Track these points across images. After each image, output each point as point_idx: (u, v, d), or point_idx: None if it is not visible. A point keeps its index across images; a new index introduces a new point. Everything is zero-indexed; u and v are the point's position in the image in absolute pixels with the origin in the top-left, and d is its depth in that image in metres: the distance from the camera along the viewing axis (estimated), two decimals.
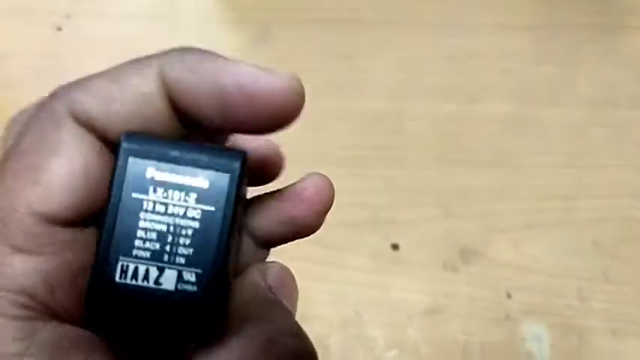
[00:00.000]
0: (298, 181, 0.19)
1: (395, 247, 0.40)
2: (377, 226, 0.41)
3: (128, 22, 0.49)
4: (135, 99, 0.16)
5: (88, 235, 0.16)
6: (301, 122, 0.49)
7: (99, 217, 0.16)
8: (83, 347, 0.15)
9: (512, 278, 0.39)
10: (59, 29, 0.48)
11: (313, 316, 0.38)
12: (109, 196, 0.15)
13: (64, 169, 0.15)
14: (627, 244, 0.39)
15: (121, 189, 0.15)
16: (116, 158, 0.15)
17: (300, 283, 0.39)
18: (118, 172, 0.15)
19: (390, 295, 0.39)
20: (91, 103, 0.16)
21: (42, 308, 0.15)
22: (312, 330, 0.37)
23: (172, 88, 0.16)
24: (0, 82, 0.46)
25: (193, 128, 0.17)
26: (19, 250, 0.15)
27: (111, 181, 0.15)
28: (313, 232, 0.20)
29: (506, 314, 0.38)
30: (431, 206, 0.41)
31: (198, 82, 0.16)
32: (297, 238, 0.20)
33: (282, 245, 0.43)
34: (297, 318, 0.37)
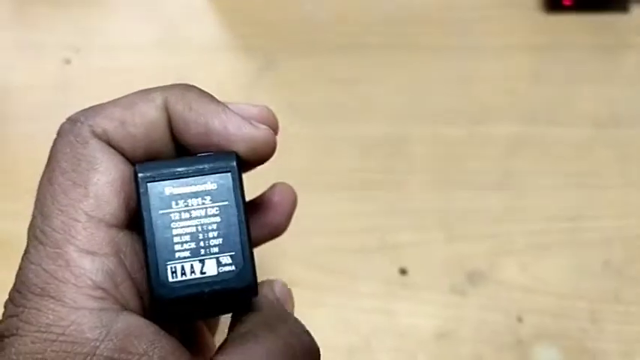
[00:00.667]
0: (265, 192, 0.24)
1: (403, 271, 0.40)
2: (384, 250, 0.40)
3: (135, 54, 0.50)
4: (144, 124, 0.20)
5: (131, 236, 0.19)
6: (306, 147, 0.50)
7: (138, 229, 0.19)
8: (149, 334, 0.17)
9: (522, 301, 0.38)
10: (68, 62, 0.49)
11: (321, 344, 0.38)
12: (142, 218, 0.19)
13: (104, 180, 0.19)
14: (637, 263, 0.39)
15: (149, 211, 0.18)
16: (137, 187, 0.19)
17: (306, 310, 0.39)
18: (142, 198, 0.19)
19: (399, 320, 0.38)
20: (109, 126, 0.19)
21: (113, 301, 0.18)
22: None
23: (173, 119, 0.20)
24: (10, 115, 0.47)
25: (181, 149, 0.21)
26: (87, 252, 0.18)
27: (139, 206, 0.19)
28: (283, 232, 0.25)
29: (517, 338, 0.37)
30: (436, 229, 0.41)
31: (194, 119, 0.20)
32: (270, 240, 0.25)
33: (291, 273, 0.43)
34: None
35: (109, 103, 0.20)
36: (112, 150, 0.19)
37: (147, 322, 0.18)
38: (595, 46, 0.47)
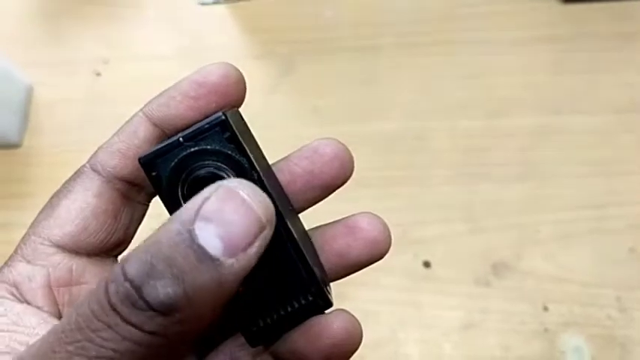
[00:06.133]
0: (349, 217, 0.22)
1: (426, 264, 0.40)
2: (407, 244, 0.41)
3: (160, 64, 0.51)
4: (130, 140, 0.21)
5: (86, 261, 0.21)
6: None
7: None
8: (39, 315, 0.20)
9: (548, 290, 0.38)
10: (98, 74, 0.51)
11: None
12: (167, 204, 0.19)
13: (67, 205, 0.21)
14: None
15: (169, 192, 0.19)
16: (148, 176, 0.19)
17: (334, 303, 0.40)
18: (155, 183, 0.19)
19: (424, 312, 0.39)
20: (103, 155, 0.21)
21: (21, 297, 0.20)
22: None
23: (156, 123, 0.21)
24: (47, 127, 0.49)
25: None
26: (24, 259, 0.20)
27: (160, 193, 0.19)
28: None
29: (544, 327, 0.37)
30: (459, 221, 0.41)
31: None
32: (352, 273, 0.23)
33: None
34: None
35: (112, 137, 0.22)
36: (96, 179, 0.21)
37: (35, 310, 0.20)
38: (614, 35, 0.47)
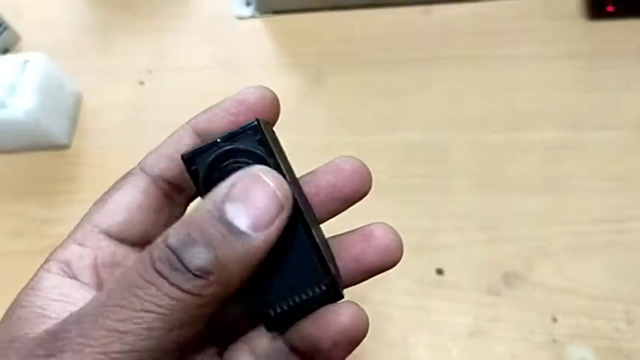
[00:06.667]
0: (365, 226, 0.24)
1: (439, 271, 0.42)
2: (421, 251, 0.42)
3: (199, 74, 0.55)
4: (176, 146, 0.24)
5: (128, 250, 0.24)
6: (353, 155, 0.53)
7: None
8: (81, 290, 0.23)
9: (557, 302, 0.39)
10: (142, 83, 0.55)
11: None
12: (203, 194, 0.21)
13: (117, 199, 0.24)
14: None
15: (205, 183, 0.22)
16: (188, 170, 0.22)
17: None
18: (193, 177, 0.22)
19: (434, 318, 0.40)
20: (152, 159, 0.24)
21: (70, 274, 0.23)
22: (357, 351, 0.39)
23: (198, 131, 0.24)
24: (94, 131, 0.53)
25: None
26: (74, 241, 0.23)
27: (197, 185, 0.22)
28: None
29: (552, 338, 0.38)
30: (475, 231, 0.42)
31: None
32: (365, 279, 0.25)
33: None
34: None
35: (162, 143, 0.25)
36: (145, 179, 0.24)
37: (82, 285, 0.22)
38: (632, 52, 0.47)
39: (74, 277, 0.23)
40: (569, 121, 0.46)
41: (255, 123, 0.22)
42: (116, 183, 0.25)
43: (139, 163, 0.25)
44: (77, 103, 0.54)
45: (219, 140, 0.22)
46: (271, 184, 0.20)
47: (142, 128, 0.52)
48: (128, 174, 0.25)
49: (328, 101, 0.51)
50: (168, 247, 0.19)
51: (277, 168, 0.21)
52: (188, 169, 0.22)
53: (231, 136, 0.22)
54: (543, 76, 0.48)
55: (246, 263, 0.19)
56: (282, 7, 0.56)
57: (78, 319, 0.19)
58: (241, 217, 0.19)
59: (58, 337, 0.19)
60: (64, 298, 0.21)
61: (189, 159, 0.22)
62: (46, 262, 0.23)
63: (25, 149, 0.51)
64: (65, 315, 0.20)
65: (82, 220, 0.24)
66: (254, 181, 0.20)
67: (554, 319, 0.39)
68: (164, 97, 0.54)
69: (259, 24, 0.57)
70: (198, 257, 0.18)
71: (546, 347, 0.38)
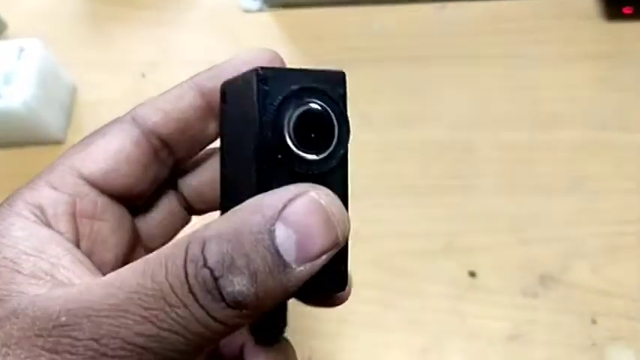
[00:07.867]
0: None
1: (472, 274, 0.40)
2: (452, 253, 0.41)
3: (204, 67, 0.52)
4: (175, 102, 0.23)
5: (110, 203, 0.22)
6: (373, 154, 0.51)
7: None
8: (63, 243, 0.21)
9: (595, 303, 0.38)
10: (143, 76, 0.52)
11: (393, 344, 0.38)
12: (263, 123, 0.19)
13: (103, 144, 0.21)
14: None
15: (275, 113, 0.19)
16: (257, 87, 0.19)
17: (376, 310, 0.40)
18: (259, 98, 0.19)
19: (469, 322, 0.39)
20: (146, 109, 0.22)
21: (46, 222, 0.21)
22: (391, 357, 0.38)
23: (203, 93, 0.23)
24: (89, 125, 0.50)
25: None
26: (50, 185, 0.21)
27: (260, 109, 0.19)
28: None
29: (591, 341, 0.37)
30: (506, 232, 0.41)
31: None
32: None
33: (362, 275, 0.43)
34: (376, 346, 0.37)
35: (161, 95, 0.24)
36: (134, 129, 0.22)
37: (58, 238, 0.20)
38: None
39: (48, 225, 0.20)
40: (593, 121, 0.45)
41: (344, 75, 0.20)
42: (101, 128, 0.22)
43: (130, 112, 0.23)
44: (73, 96, 0.51)
45: (307, 71, 0.20)
46: (333, 217, 0.17)
47: None
48: (116, 121, 0.22)
49: (349, 99, 0.49)
50: (207, 266, 0.16)
51: (348, 137, 0.20)
52: (258, 85, 0.19)
53: (316, 73, 0.20)
54: (566, 75, 0.47)
55: (281, 297, 0.17)
56: (292, 1, 0.54)
57: (89, 312, 0.16)
58: (291, 246, 0.17)
59: (64, 331, 0.16)
60: (39, 254, 0.19)
61: (265, 77, 0.19)
62: (13, 201, 0.20)
63: (18, 144, 0.47)
64: (42, 276, 0.18)
65: (56, 161, 0.22)
66: (315, 210, 0.17)
67: (594, 321, 0.38)
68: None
69: (267, 18, 0.54)
70: (238, 288, 0.16)
71: (586, 350, 0.37)
